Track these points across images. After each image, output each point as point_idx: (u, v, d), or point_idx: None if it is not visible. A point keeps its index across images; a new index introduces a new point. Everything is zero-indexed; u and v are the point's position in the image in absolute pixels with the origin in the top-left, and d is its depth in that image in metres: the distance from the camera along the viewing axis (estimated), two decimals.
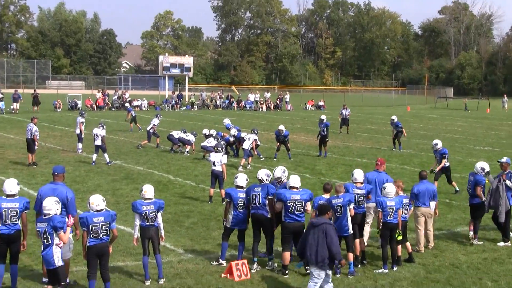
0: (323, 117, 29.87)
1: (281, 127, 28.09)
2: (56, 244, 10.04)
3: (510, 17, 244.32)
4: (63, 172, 11.99)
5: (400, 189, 13.44)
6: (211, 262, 12.89)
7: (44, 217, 10.16)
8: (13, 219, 10.86)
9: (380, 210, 12.78)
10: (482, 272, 12.84)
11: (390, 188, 12.98)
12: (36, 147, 24.76)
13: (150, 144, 31.02)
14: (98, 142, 25.11)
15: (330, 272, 10.83)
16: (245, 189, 12.94)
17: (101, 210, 10.67)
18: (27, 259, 12.75)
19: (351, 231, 12.58)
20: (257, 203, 12.67)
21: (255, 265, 12.63)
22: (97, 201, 10.70)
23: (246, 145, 25.55)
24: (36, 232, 10.91)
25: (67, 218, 10.43)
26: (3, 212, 10.80)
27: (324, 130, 28.93)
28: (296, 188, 12.49)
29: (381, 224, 12.84)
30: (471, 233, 14.95)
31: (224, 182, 18.69)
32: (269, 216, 12.70)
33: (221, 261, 12.80)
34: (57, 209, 10.26)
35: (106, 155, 25.32)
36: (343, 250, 11.93)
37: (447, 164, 20.96)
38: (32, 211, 11.80)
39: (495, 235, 15.56)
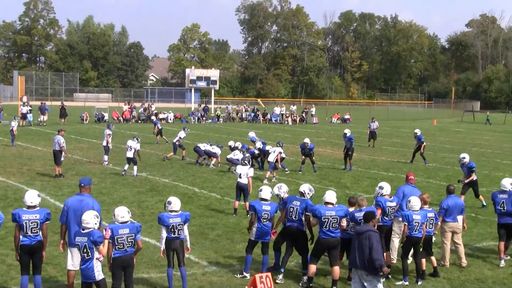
0: (347, 131, 29.89)
1: (306, 140, 28.09)
2: (97, 258, 10.03)
3: None
4: (89, 184, 11.99)
5: (424, 202, 13.28)
6: (235, 275, 12.89)
7: (83, 231, 10.09)
8: (34, 230, 10.93)
9: (406, 223, 12.70)
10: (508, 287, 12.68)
11: (415, 201, 12.91)
12: (63, 159, 24.98)
13: (175, 156, 31.15)
14: (130, 154, 25.35)
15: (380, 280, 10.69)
16: (269, 202, 12.94)
17: (126, 221, 10.69)
18: (53, 270, 12.83)
19: None
20: (293, 217, 12.70)
21: (280, 276, 12.62)
22: (122, 213, 10.73)
23: (271, 158, 25.58)
24: (62, 243, 11.04)
25: (104, 231, 10.41)
26: (24, 224, 10.87)
27: (349, 144, 28.92)
28: (332, 204, 12.43)
29: (405, 237, 12.76)
30: (503, 261, 14.19)
31: (249, 195, 18.75)
32: (304, 230, 12.72)
33: (245, 273, 12.80)
34: (96, 223, 10.18)
35: (135, 168, 25.52)
36: None
37: (475, 178, 20.76)
38: (57, 223, 11.90)
39: None
